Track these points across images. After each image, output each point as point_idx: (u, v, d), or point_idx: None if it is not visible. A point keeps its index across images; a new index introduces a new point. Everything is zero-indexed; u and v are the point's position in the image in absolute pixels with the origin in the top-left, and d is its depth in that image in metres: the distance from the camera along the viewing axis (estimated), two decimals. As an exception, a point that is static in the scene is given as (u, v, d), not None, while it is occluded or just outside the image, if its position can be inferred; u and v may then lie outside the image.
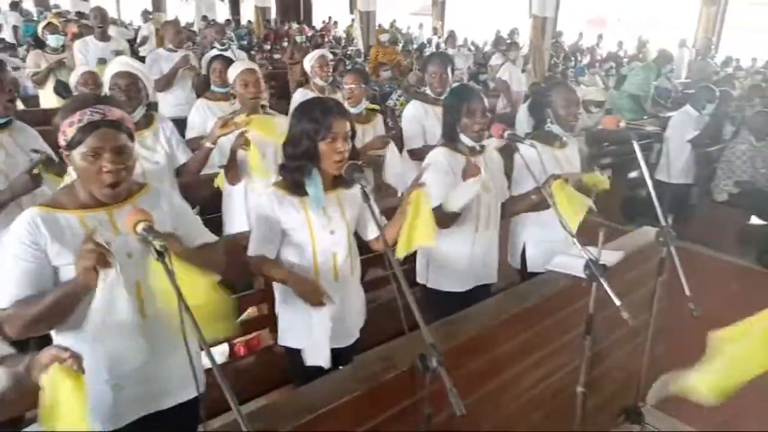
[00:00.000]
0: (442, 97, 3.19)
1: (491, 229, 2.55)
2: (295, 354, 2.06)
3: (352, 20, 13.48)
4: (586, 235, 2.10)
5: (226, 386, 1.13)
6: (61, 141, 1.48)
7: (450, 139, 2.48)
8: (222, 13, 16.76)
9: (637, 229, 2.87)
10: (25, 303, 1.44)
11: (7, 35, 10.24)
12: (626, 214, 5.26)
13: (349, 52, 10.65)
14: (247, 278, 2.70)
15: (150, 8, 14.40)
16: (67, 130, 1.45)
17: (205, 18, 9.36)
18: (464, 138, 2.44)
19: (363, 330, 2.23)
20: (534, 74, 8.30)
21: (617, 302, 1.80)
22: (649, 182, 2.38)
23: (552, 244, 2.58)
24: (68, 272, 1.47)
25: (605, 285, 1.88)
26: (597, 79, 8.94)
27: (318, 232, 1.98)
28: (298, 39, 9.08)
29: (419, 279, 2.61)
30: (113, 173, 1.48)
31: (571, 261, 2.24)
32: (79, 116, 1.44)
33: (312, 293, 1.92)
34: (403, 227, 1.97)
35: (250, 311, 2.71)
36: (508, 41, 9.44)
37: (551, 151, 2.66)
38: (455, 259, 2.49)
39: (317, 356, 1.94)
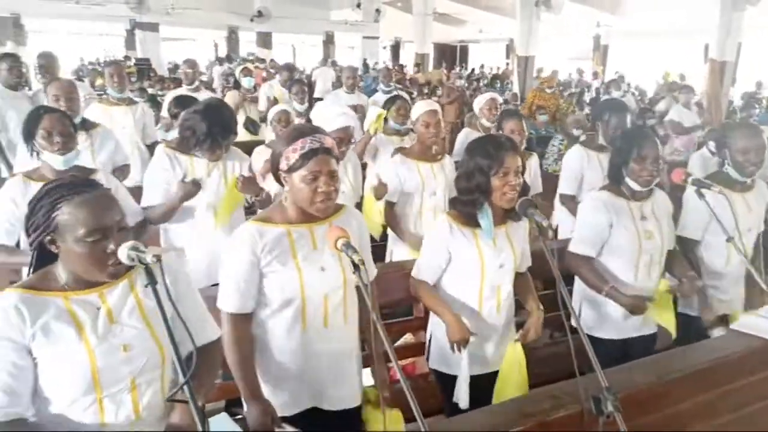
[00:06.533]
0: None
1: (654, 276, 2.37)
2: (444, 380, 2.11)
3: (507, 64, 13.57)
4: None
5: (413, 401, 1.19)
6: (283, 165, 1.66)
7: (615, 181, 2.39)
8: (384, 60, 17.86)
9: None
10: None
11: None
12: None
13: (505, 97, 10.70)
14: (408, 302, 2.81)
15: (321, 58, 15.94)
16: (290, 156, 1.64)
17: (366, 65, 10.37)
18: (630, 182, 2.33)
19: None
20: (711, 122, 7.65)
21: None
22: None
23: (724, 300, 2.43)
24: (273, 278, 1.68)
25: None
26: (787, 128, 7.98)
27: (488, 264, 2.02)
28: (458, 83, 9.36)
29: (573, 322, 2.51)
30: (326, 193, 1.66)
31: (759, 322, 2.08)
32: (301, 144, 1.63)
33: (458, 332, 1.97)
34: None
35: (407, 337, 2.79)
36: (681, 84, 8.85)
37: (732, 194, 2.42)
38: (612, 306, 2.35)
39: (459, 394, 1.99)
